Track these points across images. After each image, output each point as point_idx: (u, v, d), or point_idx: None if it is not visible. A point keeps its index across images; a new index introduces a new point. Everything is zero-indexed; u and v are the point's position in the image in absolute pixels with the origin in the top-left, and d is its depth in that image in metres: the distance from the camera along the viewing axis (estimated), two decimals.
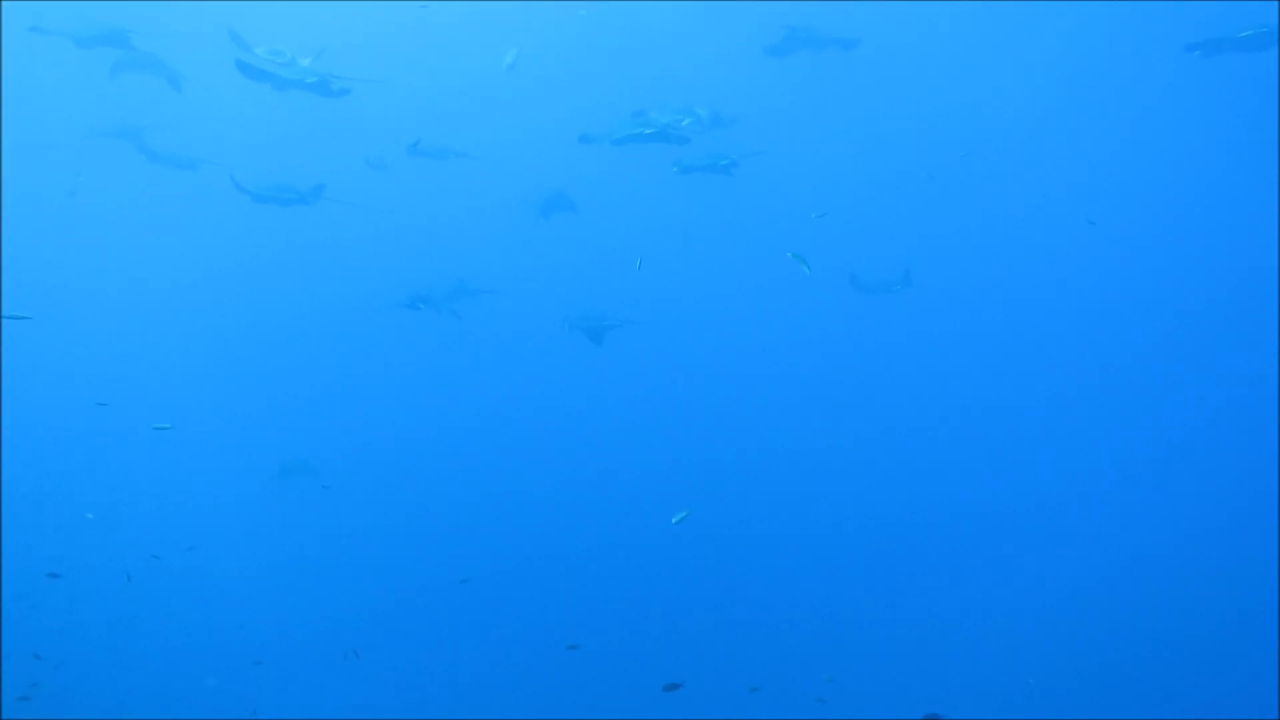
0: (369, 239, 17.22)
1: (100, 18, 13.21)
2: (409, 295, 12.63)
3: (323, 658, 13.70)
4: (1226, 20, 11.71)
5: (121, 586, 13.32)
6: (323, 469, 14.85)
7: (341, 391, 17.59)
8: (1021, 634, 14.65)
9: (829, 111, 17.32)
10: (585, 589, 14.80)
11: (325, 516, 15.74)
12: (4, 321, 15.79)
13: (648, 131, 10.99)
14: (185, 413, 16.23)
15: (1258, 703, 12.93)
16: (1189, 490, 15.82)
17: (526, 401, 17.29)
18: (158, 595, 13.96)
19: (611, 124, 11.20)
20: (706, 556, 14.92)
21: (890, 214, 17.16)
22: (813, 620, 14.42)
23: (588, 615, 14.22)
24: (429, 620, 14.66)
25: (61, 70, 15.39)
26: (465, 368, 17.58)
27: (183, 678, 13.36)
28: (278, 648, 13.74)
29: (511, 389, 17.47)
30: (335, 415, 17.20)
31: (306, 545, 15.50)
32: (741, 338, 17.75)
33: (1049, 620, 14.80)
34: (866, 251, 16.34)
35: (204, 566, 14.66)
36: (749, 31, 15.21)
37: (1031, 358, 17.34)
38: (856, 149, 17.39)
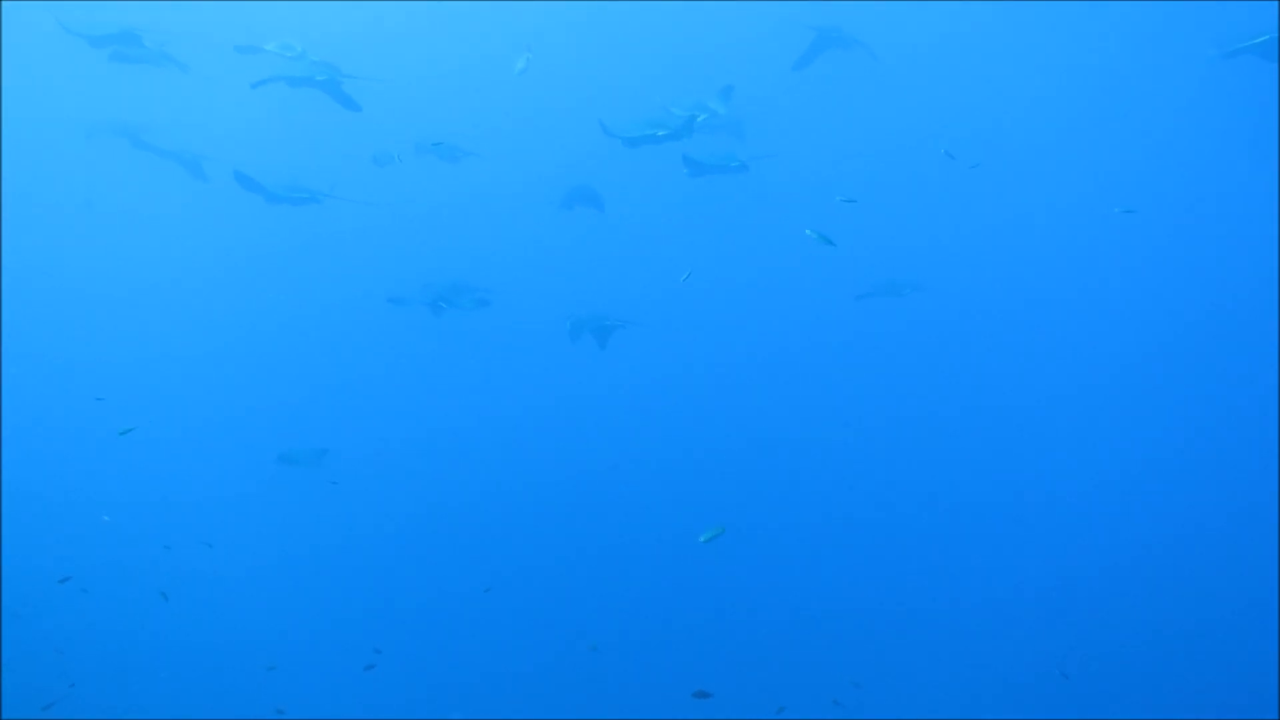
0: (376, 236, 17.08)
1: (108, 16, 13.21)
2: (431, 295, 12.55)
3: (338, 661, 13.60)
4: (1244, 22, 11.74)
5: (134, 591, 13.32)
6: (326, 459, 14.74)
7: (358, 391, 17.49)
8: (1025, 634, 14.61)
9: (845, 109, 17.26)
10: (607, 589, 14.75)
11: (341, 518, 15.67)
12: (5, 319, 15.78)
13: (660, 134, 10.91)
14: (196, 412, 16.22)
15: (1258, 703, 12.94)
16: (1191, 490, 15.83)
17: (546, 401, 17.18)
18: (171, 599, 13.90)
19: (626, 121, 11.08)
20: (727, 556, 14.85)
21: (901, 215, 17.06)
22: (834, 622, 14.40)
23: (609, 615, 14.20)
24: (447, 620, 14.58)
25: (66, 67, 15.31)
26: (483, 367, 17.50)
27: (195, 682, 13.28)
28: (292, 651, 13.67)
29: (530, 388, 17.36)
30: (353, 415, 17.07)
31: (322, 547, 15.44)
32: (758, 338, 17.65)
33: (1052, 620, 14.81)
34: (878, 252, 16.30)
35: (217, 569, 14.57)
36: (765, 29, 15.15)
37: (1046, 361, 17.31)
38: (872, 148, 17.29)
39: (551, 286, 16.73)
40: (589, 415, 16.94)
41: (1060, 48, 16.82)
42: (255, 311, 17.70)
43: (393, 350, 17.51)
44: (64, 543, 14.28)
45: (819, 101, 17.05)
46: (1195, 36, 12.43)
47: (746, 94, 13.55)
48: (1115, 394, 16.96)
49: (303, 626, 14.30)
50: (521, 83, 13.68)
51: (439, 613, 14.68)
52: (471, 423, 17.16)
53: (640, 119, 11.17)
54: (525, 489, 16.18)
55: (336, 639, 14.03)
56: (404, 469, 16.65)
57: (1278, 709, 12.77)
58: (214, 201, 15.68)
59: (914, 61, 15.92)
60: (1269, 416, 15.48)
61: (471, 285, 12.99)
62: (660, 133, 10.96)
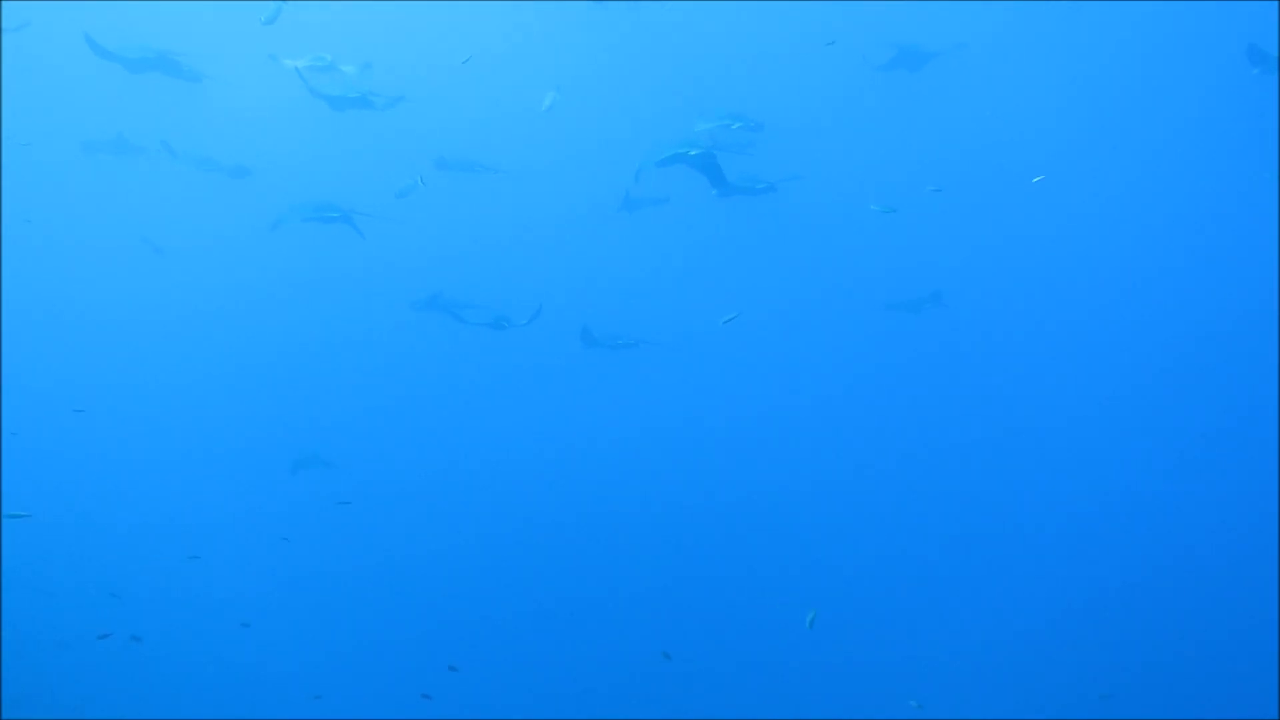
0: (402, 253, 16.94)
1: (136, 26, 13.26)
2: (493, 316, 12.60)
3: (389, 688, 13.36)
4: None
5: (165, 610, 13.20)
6: (336, 465, 14.64)
7: (403, 408, 17.35)
8: (1028, 634, 14.92)
9: (874, 126, 17.23)
10: (679, 597, 14.70)
11: (390, 535, 15.53)
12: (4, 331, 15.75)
13: (692, 153, 10.76)
14: (230, 428, 16.10)
15: (1258, 703, 13.16)
16: (1191, 493, 16.05)
17: (597, 415, 17.13)
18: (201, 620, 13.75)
19: (656, 142, 10.94)
20: (792, 569, 14.98)
21: (921, 229, 16.88)
22: (893, 637, 14.58)
23: (681, 623, 14.17)
24: (512, 631, 14.45)
25: (95, 80, 15.26)
26: (531, 383, 17.34)
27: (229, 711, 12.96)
28: (340, 678, 13.44)
29: (572, 405, 17.29)
30: (406, 433, 17.01)
31: (370, 566, 15.24)
32: (792, 357, 17.66)
33: (1054, 622, 15.07)
34: (899, 268, 16.31)
35: (255, 588, 14.40)
36: (782, 43, 15.13)
37: (1061, 375, 17.35)
38: (894, 163, 17.12)
39: (587, 304, 16.38)
40: (642, 429, 16.86)
41: (1089, 67, 16.90)
42: (294, 329, 17.56)
43: (439, 368, 17.37)
44: (98, 558, 14.18)
45: (838, 117, 17.16)
46: (1230, 52, 12.58)
47: (767, 110, 13.64)
48: (1139, 408, 16.99)
49: (350, 652, 13.95)
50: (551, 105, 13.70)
51: (504, 624, 14.49)
52: (527, 440, 17.05)
53: (669, 139, 11.04)
54: (590, 502, 16.10)
55: (387, 662, 13.72)
56: (460, 486, 16.53)
57: (1278, 709, 12.99)
58: (244, 220, 15.55)
59: (934, 75, 15.85)
60: (1269, 423, 15.70)
61: (511, 303, 13.06)
62: (692, 152, 10.88)
